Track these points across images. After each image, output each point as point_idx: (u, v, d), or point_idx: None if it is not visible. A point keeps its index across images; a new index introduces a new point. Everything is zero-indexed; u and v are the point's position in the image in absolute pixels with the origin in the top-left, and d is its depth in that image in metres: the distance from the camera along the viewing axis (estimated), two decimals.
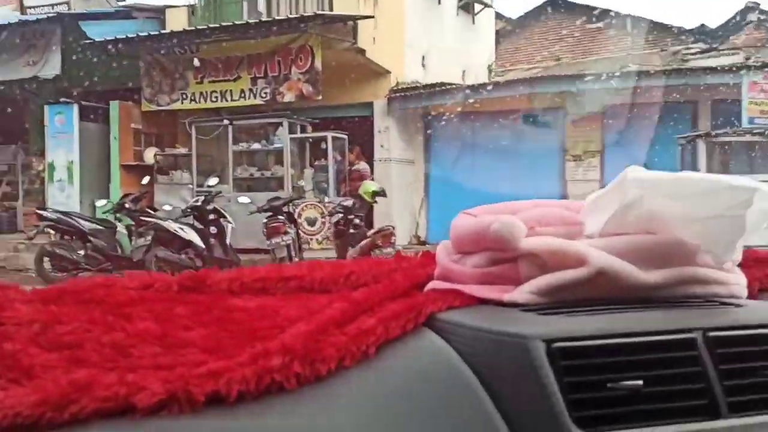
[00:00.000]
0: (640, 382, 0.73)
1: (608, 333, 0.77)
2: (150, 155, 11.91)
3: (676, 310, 0.85)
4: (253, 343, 0.78)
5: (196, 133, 11.25)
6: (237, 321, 0.90)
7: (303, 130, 11.29)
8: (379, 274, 1.05)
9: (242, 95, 11.15)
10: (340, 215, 8.49)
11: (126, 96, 11.88)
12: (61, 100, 11.65)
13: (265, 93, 10.97)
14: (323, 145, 10.99)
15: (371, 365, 0.78)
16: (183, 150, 11.70)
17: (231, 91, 11.23)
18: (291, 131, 10.93)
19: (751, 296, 0.98)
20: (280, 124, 10.89)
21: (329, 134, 10.94)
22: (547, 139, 10.83)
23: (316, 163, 11.20)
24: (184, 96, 11.54)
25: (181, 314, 0.92)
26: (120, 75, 11.57)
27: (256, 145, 11.21)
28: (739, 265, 0.97)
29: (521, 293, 0.87)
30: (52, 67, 11.35)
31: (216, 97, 11.34)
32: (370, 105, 11.46)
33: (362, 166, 10.99)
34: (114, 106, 11.81)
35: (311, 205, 10.09)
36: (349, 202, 8.73)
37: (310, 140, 11.30)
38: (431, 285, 0.97)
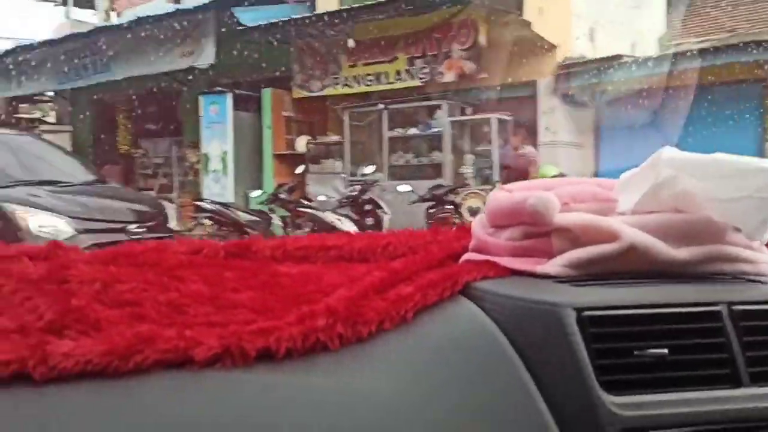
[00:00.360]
0: (666, 351, 0.77)
1: (636, 303, 0.80)
2: (302, 144, 11.60)
3: (703, 284, 0.88)
4: (298, 305, 0.83)
5: (349, 120, 10.89)
6: (282, 285, 0.95)
7: (462, 113, 10.45)
8: (415, 246, 1.10)
9: (398, 77, 10.56)
10: None
11: (276, 83, 11.61)
12: (216, 89, 11.50)
13: (424, 74, 10.30)
14: (485, 129, 10.10)
15: (409, 329, 0.83)
16: (335, 137, 11.32)
17: (386, 73, 10.66)
18: (450, 114, 10.18)
19: None
20: (439, 106, 10.22)
21: (493, 116, 9.94)
22: (743, 117, 9.39)
23: (477, 148, 10.25)
24: (337, 81, 11.11)
25: (230, 278, 0.97)
26: (271, 62, 11.25)
27: (412, 131, 10.56)
28: None
29: (553, 266, 0.91)
30: (206, 56, 10.96)
31: (370, 81, 10.81)
32: (533, 84, 10.21)
33: (529, 150, 9.84)
34: (266, 93, 11.64)
35: (474, 193, 9.24)
36: None
37: (471, 124, 10.44)
38: (466, 256, 1.02)
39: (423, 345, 0.82)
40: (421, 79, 10.40)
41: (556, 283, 0.88)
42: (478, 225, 1.04)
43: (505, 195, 0.98)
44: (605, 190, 0.99)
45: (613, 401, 0.74)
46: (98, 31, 12.40)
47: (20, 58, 13.28)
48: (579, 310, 0.78)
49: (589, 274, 0.89)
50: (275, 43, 11.06)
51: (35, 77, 13.28)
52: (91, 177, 7.04)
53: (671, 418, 0.74)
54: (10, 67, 13.38)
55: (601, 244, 0.90)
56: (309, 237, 1.16)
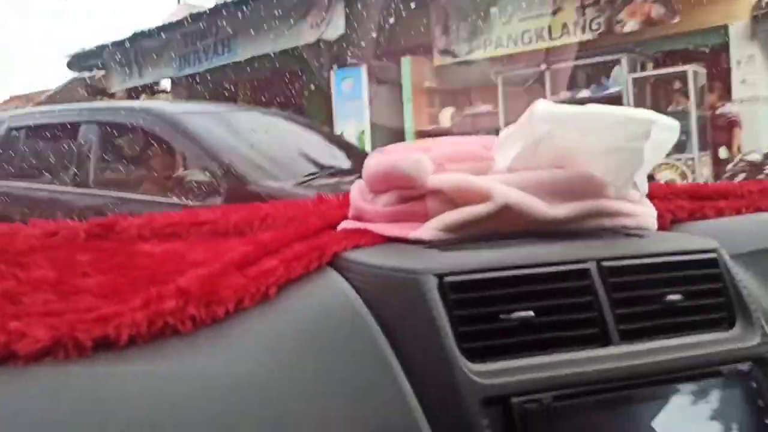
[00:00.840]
0: (531, 313, 0.74)
1: (501, 265, 0.77)
2: (446, 117, 10.09)
3: (575, 241, 0.85)
4: (149, 287, 0.77)
5: (503, 86, 9.23)
6: (139, 266, 0.89)
7: (642, 68, 8.75)
8: (295, 217, 1.04)
9: (564, 31, 8.87)
10: (743, 175, 6.54)
11: (414, 51, 10.18)
12: (349, 62, 10.17)
13: (597, 24, 8.62)
14: (676, 85, 8.34)
15: (271, 306, 0.78)
16: (485, 108, 9.76)
17: (549, 27, 8.99)
18: (631, 70, 8.52)
19: (662, 228, 1.00)
20: (617, 62, 8.53)
21: (690, 68, 8.20)
22: None
23: (668, 108, 8.14)
24: (488, 41, 9.49)
25: (82, 261, 0.91)
26: (407, 27, 9.68)
27: (583, 93, 8.74)
28: (651, 198, 0.97)
29: (426, 230, 0.86)
30: (335, 27, 9.77)
31: (529, 38, 9.16)
32: (722, 29, 8.30)
33: (730, 108, 8.11)
34: (406, 63, 10.17)
35: (668, 164, 7.76)
36: (755, 156, 6.87)
37: (657, 80, 8.63)
38: (342, 225, 0.97)
39: (283, 321, 0.77)
40: (593, 31, 8.72)
41: (427, 248, 0.84)
42: (356, 192, 1.00)
43: (380, 158, 0.93)
44: (485, 150, 0.95)
45: (473, 369, 0.71)
46: (217, 9, 11.21)
47: (139, 46, 12.34)
48: (440, 276, 0.74)
49: (464, 237, 0.86)
50: (412, 5, 9.32)
51: (155, 65, 12.36)
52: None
53: (536, 383, 0.72)
54: (130, 56, 12.48)
55: (474, 205, 0.86)
56: (181, 213, 1.08)
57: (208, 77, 11.83)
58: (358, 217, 0.96)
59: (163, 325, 0.72)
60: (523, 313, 0.73)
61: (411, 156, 0.87)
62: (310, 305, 0.79)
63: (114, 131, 4.53)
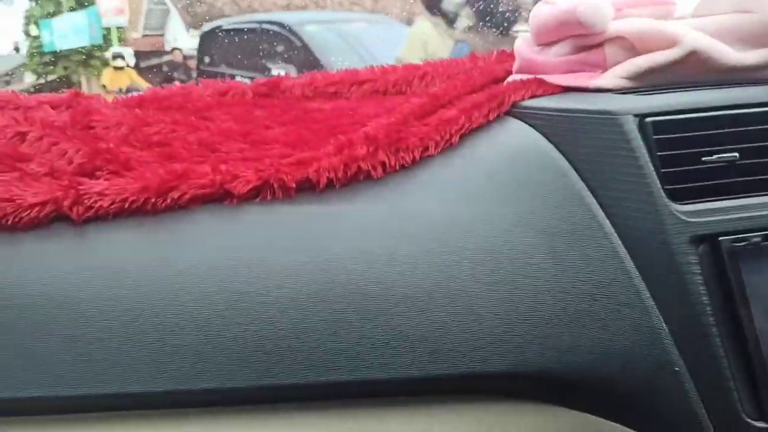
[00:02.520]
0: (736, 155, 0.72)
1: (702, 106, 0.74)
2: None
3: None
4: (334, 137, 0.79)
5: None
6: (315, 119, 0.91)
7: None
8: (454, 74, 1.03)
9: None
10: None
11: None
12: None
13: None
14: None
15: (455, 152, 0.79)
16: None
17: None
18: None
19: None
20: None
21: None
22: None
23: None
24: None
25: (260, 116, 0.94)
26: None
27: None
28: None
29: (608, 78, 0.83)
30: None
31: None
32: None
33: None
34: None
35: None
36: None
37: None
38: (511, 78, 0.95)
39: (471, 167, 0.78)
40: None
41: (612, 95, 0.81)
42: (522, 45, 0.96)
43: (549, 7, 0.89)
44: None
45: (679, 209, 0.70)
46: None
47: None
48: (640, 117, 0.72)
49: (648, 85, 0.82)
50: None
51: None
52: None
53: (744, 223, 0.70)
54: None
55: (659, 51, 0.81)
56: (340, 73, 1.09)
57: None
58: (527, 70, 0.94)
59: (357, 170, 0.75)
60: (727, 155, 0.72)
61: (590, 1, 0.82)
62: (496, 151, 0.80)
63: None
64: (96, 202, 0.69)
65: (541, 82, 0.88)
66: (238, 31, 6.92)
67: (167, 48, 24.94)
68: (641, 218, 0.71)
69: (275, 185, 0.73)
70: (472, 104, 0.84)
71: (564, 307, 0.69)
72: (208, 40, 7.57)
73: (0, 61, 37.92)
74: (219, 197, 0.72)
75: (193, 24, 21.07)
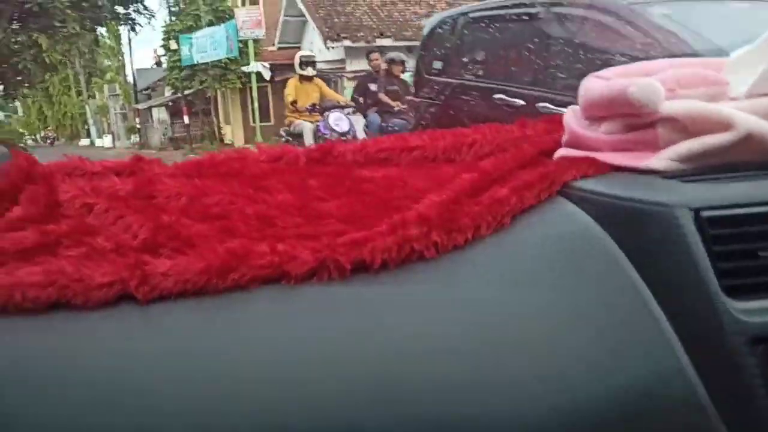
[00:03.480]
0: None
1: (759, 200, 0.74)
2: None
3: None
4: (387, 213, 0.81)
5: None
6: (368, 191, 0.93)
7: None
8: (503, 143, 1.04)
9: None
10: None
11: None
12: None
13: None
14: None
15: (507, 234, 0.80)
16: None
17: None
18: None
19: None
20: None
21: None
22: None
23: None
24: None
25: (314, 186, 0.96)
26: None
27: None
28: None
29: (660, 159, 0.83)
30: None
31: None
32: None
33: None
34: None
35: None
36: None
37: None
38: (560, 152, 0.96)
39: (523, 250, 0.78)
40: None
41: (665, 179, 0.81)
42: (571, 117, 0.97)
43: (600, 83, 0.90)
44: (714, 73, 0.89)
45: (736, 307, 0.69)
46: None
47: None
48: (696, 210, 0.72)
49: (700, 168, 0.82)
50: None
51: None
52: None
53: None
54: None
55: (713, 134, 0.81)
56: (391, 138, 1.12)
57: None
58: (575, 144, 0.94)
59: (410, 250, 0.76)
60: None
61: (643, 81, 0.83)
62: (547, 234, 0.80)
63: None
64: (160, 282, 0.71)
65: (592, 162, 0.88)
66: (502, 20, 4.53)
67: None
68: (697, 314, 0.70)
69: (331, 266, 0.74)
70: (524, 183, 0.85)
71: (621, 403, 0.68)
72: (437, 37, 5.40)
73: (143, 75, 38.86)
74: (277, 277, 0.74)
75: (330, 36, 20.77)
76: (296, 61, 9.58)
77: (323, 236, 0.78)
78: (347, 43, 20.43)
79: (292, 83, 9.34)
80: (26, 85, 19.61)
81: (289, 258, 0.74)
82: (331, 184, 0.97)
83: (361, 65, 20.60)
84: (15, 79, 18.11)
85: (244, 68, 22.45)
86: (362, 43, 20.17)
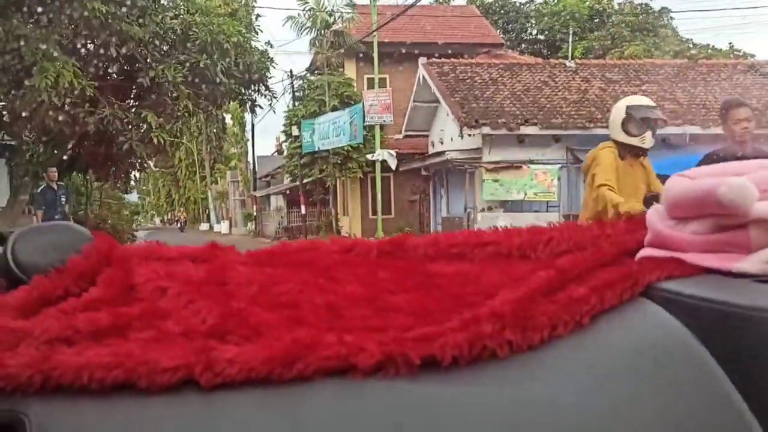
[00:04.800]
0: None
1: None
2: None
3: None
4: (458, 308, 0.79)
5: None
6: (439, 286, 0.91)
7: None
8: (581, 241, 1.01)
9: None
10: None
11: None
12: None
13: None
14: None
15: (586, 335, 0.76)
16: None
17: None
18: None
19: None
20: None
21: None
22: None
23: None
24: None
25: (384, 278, 0.95)
26: None
27: None
28: None
29: (753, 262, 0.79)
30: None
31: None
32: None
33: None
34: None
35: None
36: None
37: None
38: (643, 252, 0.92)
39: (603, 352, 0.74)
40: None
41: (758, 283, 0.77)
42: (654, 216, 0.94)
43: (687, 182, 0.87)
44: None
45: None
46: None
47: None
48: None
49: None
50: None
51: None
52: None
53: None
54: None
55: None
56: (464, 233, 1.10)
57: None
58: (660, 244, 0.91)
59: (482, 348, 0.73)
60: None
61: (734, 181, 0.80)
62: (629, 336, 0.76)
63: None
64: (225, 369, 0.70)
65: (679, 263, 0.84)
66: None
67: (431, 151, 22.92)
68: None
69: (399, 360, 0.72)
70: (604, 283, 0.81)
71: None
72: None
73: (263, 162, 39.76)
74: (343, 369, 0.72)
75: (467, 122, 18.78)
76: (618, 115, 4.68)
77: (391, 329, 0.76)
78: (486, 130, 18.88)
79: (608, 155, 4.61)
80: (135, 166, 17.71)
81: (356, 350, 0.72)
82: (401, 278, 0.95)
83: (500, 154, 18.78)
84: (126, 161, 16.57)
85: (369, 156, 21.49)
86: (504, 131, 18.80)
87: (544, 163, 18.87)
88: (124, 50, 13.40)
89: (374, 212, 21.84)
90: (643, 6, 37.31)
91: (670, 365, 0.71)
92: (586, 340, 0.75)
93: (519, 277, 0.86)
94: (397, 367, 0.72)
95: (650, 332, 0.76)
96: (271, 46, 20.25)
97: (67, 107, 12.57)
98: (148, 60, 14.09)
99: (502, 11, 40.27)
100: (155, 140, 14.32)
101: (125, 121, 13.98)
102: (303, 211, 25.72)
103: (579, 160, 16.33)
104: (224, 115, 40.89)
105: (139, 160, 17.00)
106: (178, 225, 52.23)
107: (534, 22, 40.86)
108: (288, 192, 30.25)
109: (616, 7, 37.82)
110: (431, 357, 0.72)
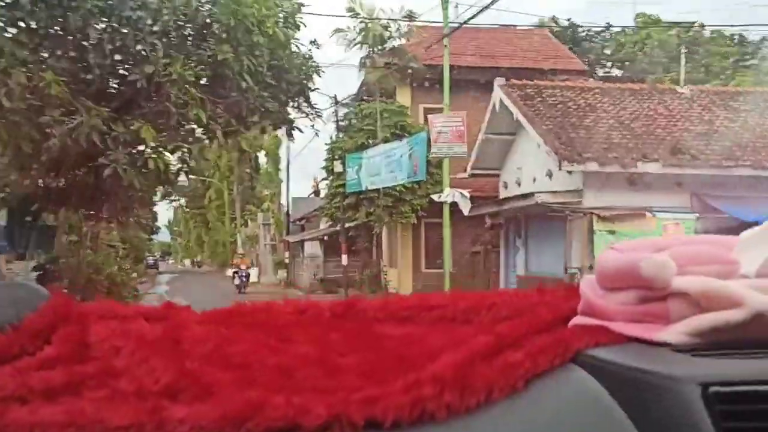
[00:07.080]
0: None
1: (766, 378, 0.74)
2: None
3: None
4: (404, 370, 0.82)
5: None
6: (386, 348, 0.95)
7: None
8: (521, 307, 1.07)
9: None
10: None
11: None
12: None
13: None
14: None
15: (519, 398, 0.80)
16: None
17: None
18: None
19: None
20: None
21: None
22: None
23: None
24: None
25: (335, 340, 0.99)
26: None
27: None
28: None
29: (672, 333, 0.86)
30: None
31: None
32: None
33: None
34: None
35: None
36: None
37: None
38: (576, 320, 0.98)
39: (533, 416, 0.79)
40: None
41: (676, 352, 0.83)
42: (587, 286, 1.00)
43: (615, 255, 0.94)
44: (725, 251, 0.94)
45: None
46: None
47: None
48: (704, 386, 0.73)
49: (711, 342, 0.84)
50: None
51: None
52: None
53: None
54: None
55: (724, 311, 0.84)
56: (413, 296, 1.16)
57: None
58: (591, 313, 0.97)
59: (422, 410, 0.77)
60: None
61: (655, 257, 0.87)
62: (560, 401, 0.81)
63: None
64: (176, 428, 0.73)
65: (605, 331, 0.90)
66: None
67: (503, 194, 17.14)
68: None
69: (344, 421, 0.75)
70: (538, 348, 0.86)
71: None
72: None
73: (298, 204, 34.03)
74: (290, 429, 0.75)
75: (567, 156, 13.81)
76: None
77: (339, 391, 0.80)
78: (593, 166, 14.31)
79: None
80: (133, 200, 12.41)
81: (303, 411, 0.75)
82: (351, 339, 0.99)
83: (608, 198, 13.75)
84: (117, 194, 11.42)
85: (436, 197, 16.53)
86: (616, 167, 14.28)
87: (666, 212, 14.27)
88: (112, 40, 9.12)
89: (427, 265, 18.72)
90: (738, 36, 34.00)
91: (590, 425, 0.76)
92: (519, 403, 0.80)
93: (461, 340, 0.91)
94: (341, 428, 0.75)
95: (575, 395, 0.81)
96: (318, 47, 13.53)
97: (24, 113, 8.85)
98: (144, 49, 9.54)
99: (575, 37, 34.83)
100: (151, 164, 10.06)
101: (112, 135, 9.57)
102: (344, 261, 21.32)
103: (709, 209, 13.43)
104: (257, 154, 37.43)
105: (139, 193, 11.97)
106: (236, 277, 30.73)
107: (610, 52, 36.74)
108: (326, 238, 25.96)
109: (707, 36, 33.82)
110: (374, 418, 0.76)
